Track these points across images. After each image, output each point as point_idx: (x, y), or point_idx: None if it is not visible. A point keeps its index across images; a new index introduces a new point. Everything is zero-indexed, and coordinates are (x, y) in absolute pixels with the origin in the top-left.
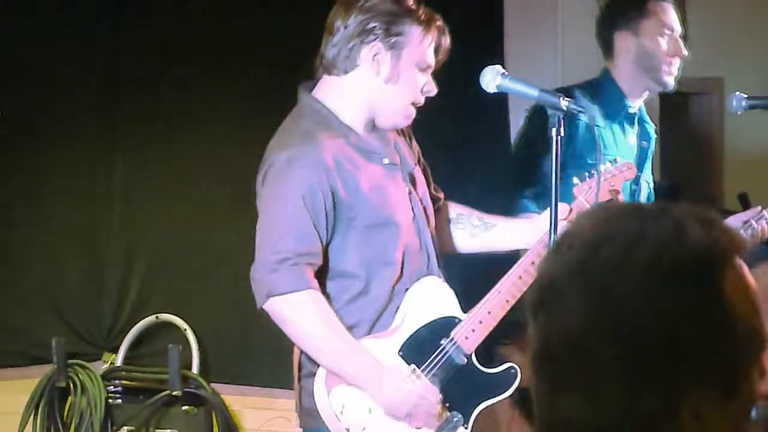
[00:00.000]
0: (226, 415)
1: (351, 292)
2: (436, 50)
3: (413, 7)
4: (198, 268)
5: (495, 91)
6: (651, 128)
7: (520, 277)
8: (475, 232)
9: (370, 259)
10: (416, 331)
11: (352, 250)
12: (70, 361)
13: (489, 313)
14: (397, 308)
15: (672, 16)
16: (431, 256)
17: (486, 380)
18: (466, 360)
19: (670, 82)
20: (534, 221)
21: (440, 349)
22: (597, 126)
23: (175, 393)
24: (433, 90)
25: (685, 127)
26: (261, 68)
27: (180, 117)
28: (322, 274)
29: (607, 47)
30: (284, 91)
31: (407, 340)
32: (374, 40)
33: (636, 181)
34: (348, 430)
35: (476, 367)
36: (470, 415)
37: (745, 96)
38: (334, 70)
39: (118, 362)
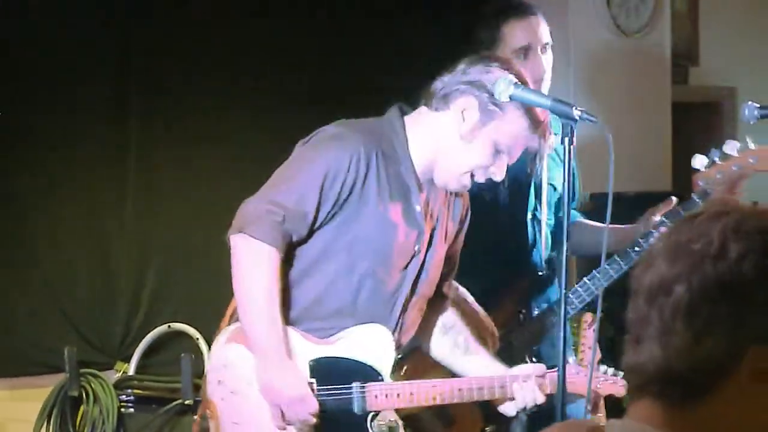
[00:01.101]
0: None
1: (307, 286)
2: (522, 145)
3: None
4: (210, 276)
5: (507, 100)
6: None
7: (460, 390)
8: (455, 351)
9: (337, 268)
10: (341, 357)
11: (331, 249)
12: (82, 370)
13: (411, 394)
14: (336, 328)
15: (526, 35)
16: (397, 314)
17: None
18: (361, 412)
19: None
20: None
21: (347, 387)
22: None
23: (187, 402)
24: (498, 175)
25: (698, 137)
26: (273, 70)
27: (195, 121)
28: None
29: None
30: (298, 92)
31: (327, 358)
32: (476, 95)
33: (534, 189)
34: (220, 382)
35: (366, 424)
36: None
37: (758, 105)
38: (431, 104)
39: (131, 371)
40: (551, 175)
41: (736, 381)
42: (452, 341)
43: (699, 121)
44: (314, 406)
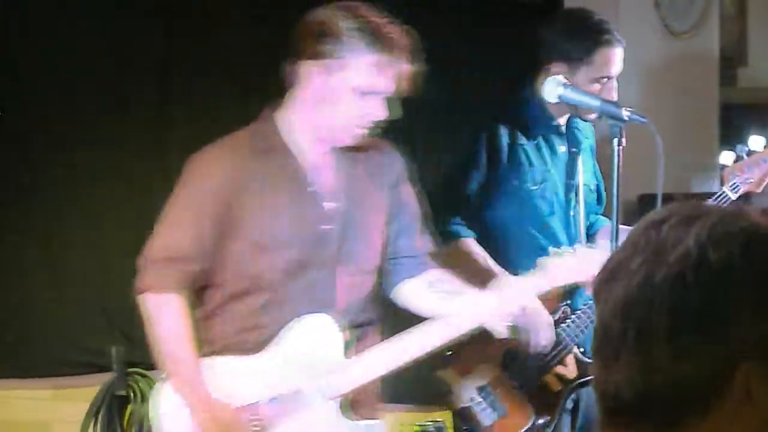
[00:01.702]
0: None
1: (217, 302)
2: (393, 76)
3: (372, 26)
4: None
5: (556, 101)
6: (582, 133)
7: (424, 339)
8: (445, 297)
9: (254, 276)
10: (282, 362)
11: (234, 263)
12: (129, 370)
13: (369, 367)
14: (271, 332)
15: (613, 65)
16: (333, 297)
17: (339, 429)
18: (323, 404)
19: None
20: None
21: (299, 387)
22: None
23: None
24: (379, 116)
25: (746, 137)
26: None
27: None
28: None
29: (541, 67)
30: None
31: (268, 368)
32: (310, 59)
33: (569, 188)
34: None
35: (333, 413)
36: None
37: None
38: (289, 86)
39: None
40: (587, 176)
41: (727, 402)
42: (439, 294)
43: (747, 122)
44: (246, 429)
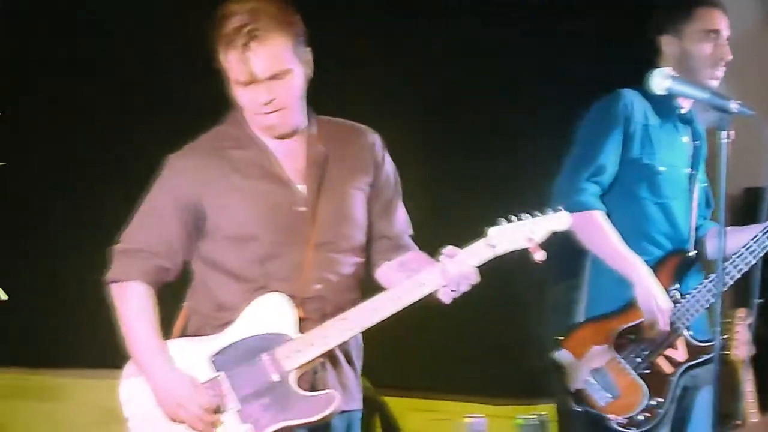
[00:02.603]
0: (388, 416)
1: (204, 294)
2: (249, 62)
3: (220, 32)
4: None
5: (663, 93)
6: (701, 128)
7: (375, 309)
8: (411, 276)
9: (228, 267)
10: (239, 340)
11: (216, 255)
12: None
13: (325, 337)
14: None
15: (716, 18)
16: (306, 281)
17: (295, 401)
18: (279, 377)
19: (710, 83)
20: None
21: (255, 361)
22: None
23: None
24: (263, 99)
25: None
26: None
27: None
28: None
29: (656, 51)
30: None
31: (226, 347)
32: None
33: (691, 179)
34: (128, 419)
35: (289, 386)
36: (264, 430)
37: None
38: None
39: None
40: (700, 174)
41: None
42: (407, 273)
43: None
44: (203, 402)
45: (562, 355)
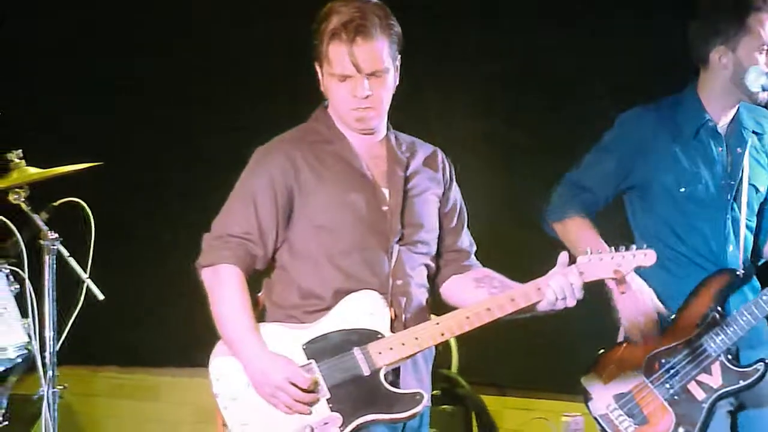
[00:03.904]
0: (485, 415)
1: (289, 283)
2: (354, 56)
3: (326, 27)
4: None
5: (758, 90)
6: (748, 133)
7: (468, 318)
8: (493, 292)
9: (315, 256)
10: (331, 332)
11: (303, 245)
12: None
13: (416, 338)
14: (327, 304)
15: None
16: (391, 277)
17: (384, 396)
18: (369, 372)
19: (764, 97)
20: (540, 287)
21: (347, 354)
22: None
23: (433, 392)
24: (361, 93)
25: None
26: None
27: None
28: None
29: (702, 61)
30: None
31: (318, 337)
32: (315, 59)
33: (729, 190)
34: (217, 395)
35: (380, 381)
36: (351, 422)
37: None
38: None
39: None
40: (752, 173)
41: None
42: (488, 289)
43: None
44: (304, 383)
45: (589, 380)
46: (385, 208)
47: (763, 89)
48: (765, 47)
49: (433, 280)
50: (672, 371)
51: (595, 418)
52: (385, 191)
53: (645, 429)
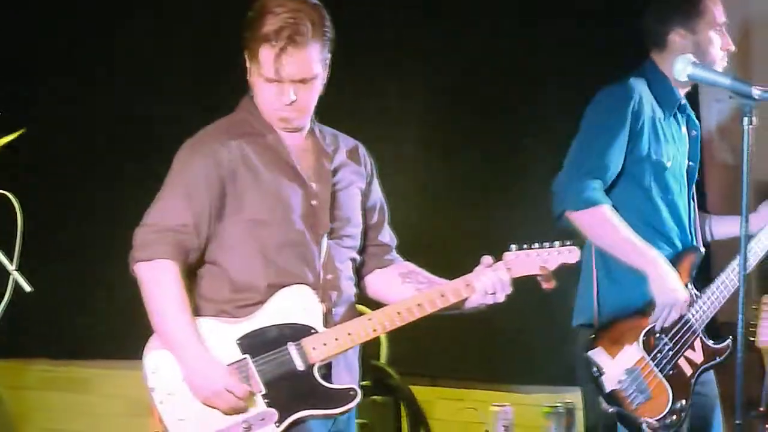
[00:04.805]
0: (415, 405)
1: (220, 278)
2: (283, 64)
3: (259, 27)
4: None
5: (685, 79)
6: (693, 115)
7: (399, 313)
8: (420, 288)
9: (248, 250)
10: (265, 327)
11: (235, 239)
12: None
13: (349, 334)
14: (259, 299)
15: (721, 10)
16: (322, 271)
17: (319, 392)
18: (304, 367)
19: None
20: (469, 283)
21: (282, 349)
22: (656, 119)
23: (363, 383)
24: (287, 100)
25: None
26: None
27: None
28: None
29: (659, 42)
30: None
31: (252, 331)
32: (244, 48)
33: (692, 171)
34: (153, 389)
35: (314, 377)
36: (287, 418)
37: None
38: None
39: None
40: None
41: None
42: (414, 285)
43: None
44: (242, 392)
45: (597, 354)
46: (314, 202)
47: (689, 78)
48: (718, 27)
49: (357, 274)
50: (666, 347)
51: (605, 395)
52: (314, 185)
53: (649, 404)
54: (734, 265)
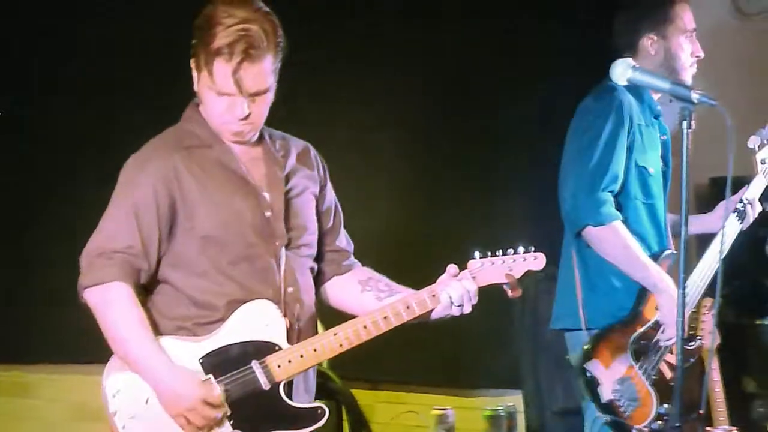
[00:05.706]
0: (356, 409)
1: (176, 296)
2: (236, 80)
3: (210, 40)
4: None
5: (625, 84)
6: (662, 119)
7: (365, 327)
8: (380, 296)
9: (203, 267)
10: (228, 345)
11: (189, 257)
12: None
13: (315, 350)
14: (220, 315)
15: (691, 16)
16: (283, 284)
17: (285, 411)
18: (269, 386)
19: (690, 81)
20: (435, 293)
21: (246, 368)
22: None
23: None
24: (241, 114)
25: None
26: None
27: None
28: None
29: (630, 47)
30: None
31: (214, 350)
32: (193, 57)
33: (665, 175)
34: (115, 413)
35: (279, 395)
36: None
37: None
38: None
39: None
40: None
41: None
42: (376, 290)
43: None
44: (216, 400)
45: (594, 366)
46: (268, 213)
47: (629, 82)
48: (688, 33)
49: (314, 282)
50: (650, 353)
51: (603, 404)
52: (266, 195)
53: (639, 411)
54: (701, 267)
